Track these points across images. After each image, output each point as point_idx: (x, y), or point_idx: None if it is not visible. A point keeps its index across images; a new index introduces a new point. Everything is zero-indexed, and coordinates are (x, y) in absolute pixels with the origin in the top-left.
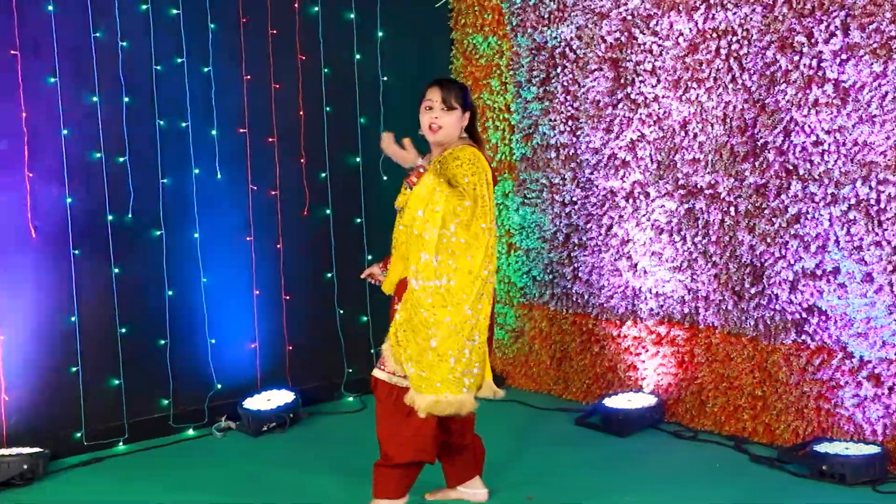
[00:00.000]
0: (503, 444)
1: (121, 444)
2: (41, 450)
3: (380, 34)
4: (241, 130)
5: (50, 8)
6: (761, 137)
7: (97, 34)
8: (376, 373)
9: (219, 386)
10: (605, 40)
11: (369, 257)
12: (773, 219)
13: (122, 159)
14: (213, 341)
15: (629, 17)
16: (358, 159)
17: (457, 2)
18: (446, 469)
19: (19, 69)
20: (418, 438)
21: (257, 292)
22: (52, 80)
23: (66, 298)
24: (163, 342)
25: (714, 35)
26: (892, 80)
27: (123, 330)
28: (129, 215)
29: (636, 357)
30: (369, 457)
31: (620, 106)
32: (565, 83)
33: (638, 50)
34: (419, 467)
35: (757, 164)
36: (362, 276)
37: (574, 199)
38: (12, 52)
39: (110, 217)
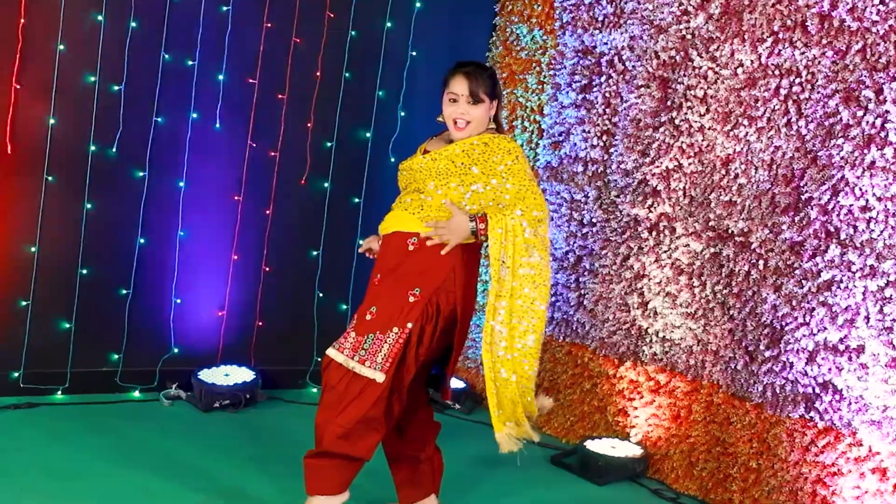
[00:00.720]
0: (467, 469)
1: (59, 393)
2: None
3: (417, 5)
4: (251, 80)
5: None
6: (807, 191)
7: None
8: (332, 353)
9: (175, 350)
10: (658, 56)
11: (361, 242)
12: (804, 281)
13: (116, 88)
14: (179, 301)
15: (689, 37)
16: (368, 134)
17: None
18: (399, 483)
19: None
20: (356, 431)
21: (235, 257)
22: None
23: (30, 226)
24: (124, 292)
25: (776, 72)
26: None
27: (84, 271)
28: (114, 149)
29: (629, 402)
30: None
31: (662, 130)
32: (607, 94)
33: (692, 73)
34: (355, 463)
35: (797, 219)
36: (361, 251)
37: (594, 220)
38: None
39: (93, 147)
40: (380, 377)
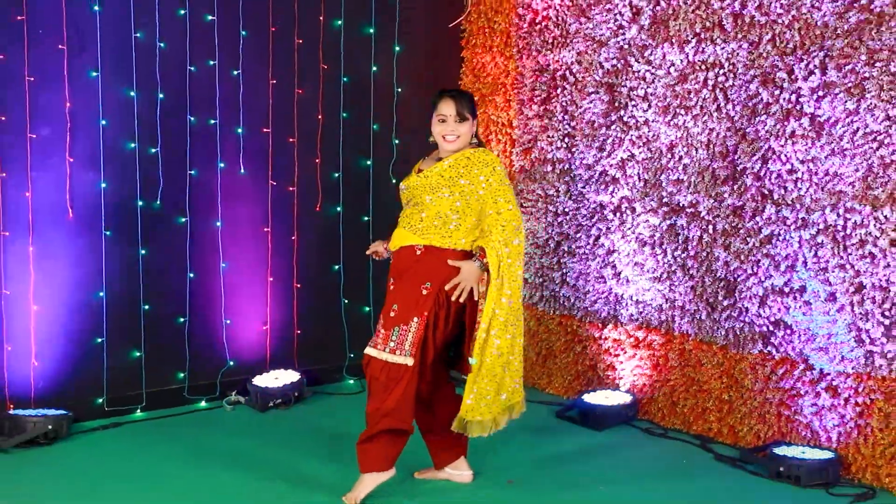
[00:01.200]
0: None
1: (138, 411)
2: (65, 412)
3: (396, 48)
4: (265, 130)
5: (96, 8)
6: (741, 163)
7: (138, 34)
8: (369, 351)
9: (231, 363)
10: (602, 66)
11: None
12: (748, 238)
13: (154, 150)
14: (229, 322)
15: (626, 46)
16: (369, 162)
17: (468, 24)
18: (432, 450)
19: (65, 63)
20: (399, 407)
21: (271, 279)
22: (94, 73)
23: (96, 275)
24: (182, 320)
25: (703, 67)
26: (864, 118)
27: (146, 307)
28: (158, 202)
29: (615, 358)
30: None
31: (613, 127)
32: (564, 103)
33: (632, 77)
34: (401, 437)
35: (735, 187)
36: (368, 253)
37: (566, 210)
38: (60, 46)
39: (140, 203)
40: (409, 361)
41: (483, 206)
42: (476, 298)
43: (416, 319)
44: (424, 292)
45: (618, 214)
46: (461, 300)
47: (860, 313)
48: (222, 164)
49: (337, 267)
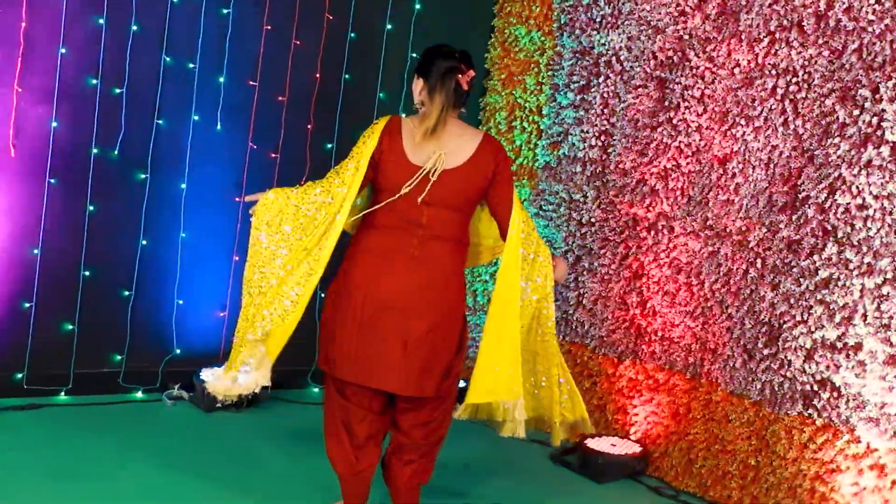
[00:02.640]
0: (470, 466)
1: (62, 394)
2: None
3: (417, 6)
4: (252, 83)
5: None
6: (804, 190)
7: None
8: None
9: (178, 351)
10: (655, 56)
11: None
12: (801, 279)
13: (118, 91)
14: (181, 302)
15: (686, 37)
16: None
17: None
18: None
19: None
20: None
21: (237, 258)
22: None
23: (33, 228)
24: (126, 293)
25: (773, 72)
26: None
27: (87, 273)
28: (116, 152)
29: (628, 400)
30: (318, 452)
31: (660, 129)
32: (605, 95)
33: (689, 73)
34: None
35: (794, 217)
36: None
37: (593, 219)
38: None
39: (95, 150)
40: None
41: None
42: None
43: None
44: None
45: (652, 233)
46: None
47: None
48: (196, 117)
49: None
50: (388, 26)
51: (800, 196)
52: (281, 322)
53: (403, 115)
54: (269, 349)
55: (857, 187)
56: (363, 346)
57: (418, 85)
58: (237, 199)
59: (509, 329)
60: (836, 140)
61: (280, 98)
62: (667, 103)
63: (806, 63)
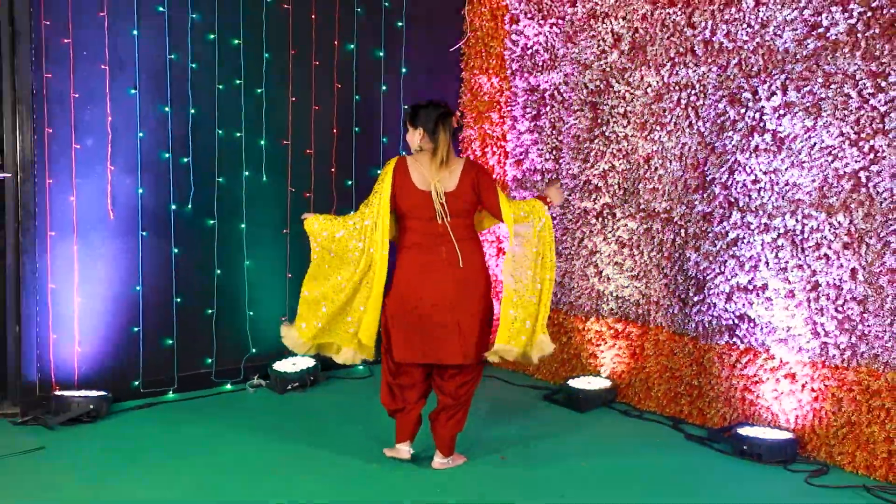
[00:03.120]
0: (483, 411)
1: (171, 392)
2: (105, 393)
3: (403, 70)
4: (285, 142)
5: (134, 32)
6: (710, 174)
7: (172, 56)
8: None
9: (253, 350)
10: (587, 86)
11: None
12: (716, 241)
13: (186, 160)
14: (252, 313)
15: (608, 69)
16: (378, 171)
17: (467, 48)
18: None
19: (107, 81)
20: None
21: (289, 276)
22: (133, 91)
23: (134, 271)
24: (210, 311)
25: (676, 88)
26: (820, 134)
27: (178, 300)
28: (189, 206)
29: (597, 347)
30: (372, 413)
31: (596, 141)
32: (552, 120)
33: (613, 96)
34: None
35: (705, 195)
36: None
37: (554, 215)
38: (102, 66)
39: (173, 207)
40: None
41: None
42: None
43: None
44: None
45: (600, 219)
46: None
47: (816, 309)
48: (247, 173)
49: None
50: (383, 87)
51: (707, 179)
52: (359, 328)
53: (406, 156)
54: (364, 344)
55: (750, 167)
56: (423, 335)
57: (417, 134)
58: (284, 231)
59: (521, 293)
60: (730, 133)
61: (308, 151)
62: (599, 121)
63: (701, 78)
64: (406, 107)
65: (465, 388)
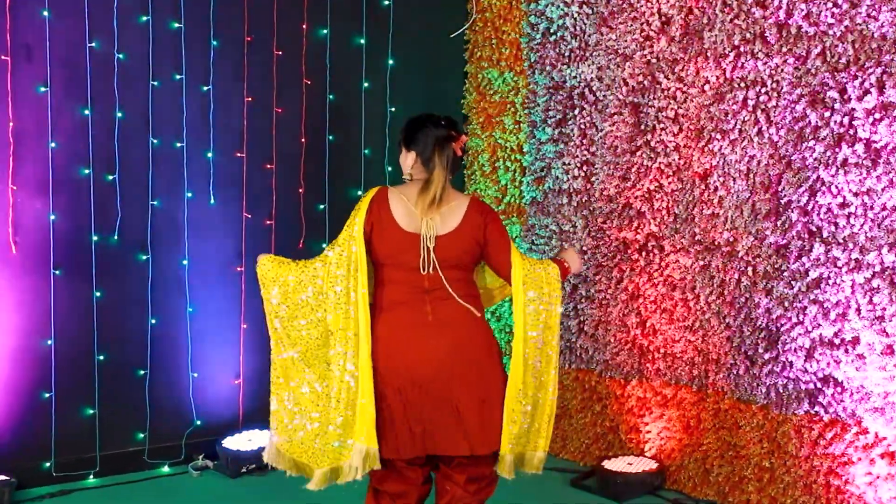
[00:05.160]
0: (494, 500)
1: (91, 477)
2: (7, 478)
3: (390, 62)
4: (239, 154)
5: (45, 14)
6: (785, 195)
7: (93, 44)
8: None
9: (198, 422)
10: (626, 83)
11: None
12: (793, 282)
13: (111, 177)
14: (196, 375)
15: (654, 61)
16: (360, 192)
17: (473, 33)
18: None
19: (9, 76)
20: None
21: (245, 326)
22: (43, 89)
23: (43, 320)
24: (142, 372)
25: (742, 85)
26: None
27: (101, 357)
28: (115, 236)
29: (639, 419)
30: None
31: (639, 153)
32: (582, 126)
33: (661, 95)
34: None
35: (779, 223)
36: None
37: (584, 248)
38: (3, 57)
39: (95, 237)
40: None
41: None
42: None
43: None
44: None
45: (643, 254)
46: None
47: None
48: (189, 194)
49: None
50: (365, 84)
51: (782, 201)
52: (356, 410)
53: (390, 187)
54: (367, 439)
55: (837, 186)
56: (415, 423)
57: (409, 157)
58: (238, 269)
59: (529, 386)
60: (811, 143)
61: (269, 166)
62: (643, 127)
63: (773, 72)
64: (392, 108)
65: (477, 484)
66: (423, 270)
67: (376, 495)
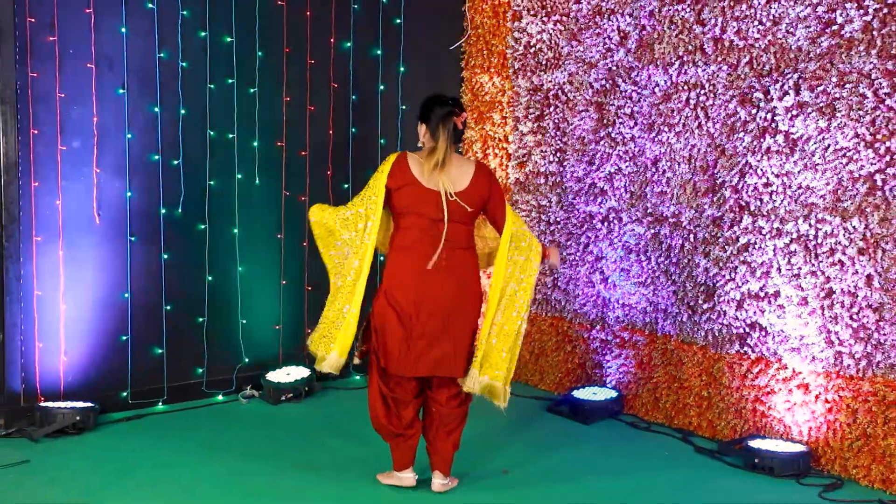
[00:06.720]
0: (485, 423)
1: (160, 404)
2: (92, 405)
3: (401, 69)
4: (279, 144)
5: (123, 30)
6: (720, 177)
7: (161, 55)
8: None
9: (246, 360)
10: (592, 86)
11: (381, 258)
12: (726, 246)
13: (176, 162)
14: (244, 321)
15: (614, 68)
16: None
17: (468, 46)
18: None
19: (94, 81)
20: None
21: (284, 282)
22: (121, 91)
23: (121, 277)
24: (201, 319)
25: (685, 87)
26: (834, 135)
27: (168, 307)
28: (180, 210)
29: (602, 356)
30: (369, 424)
31: (602, 143)
32: (556, 120)
33: (620, 96)
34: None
35: (715, 199)
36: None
37: (558, 219)
38: (89, 65)
39: (163, 210)
40: None
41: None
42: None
43: None
44: None
45: (606, 224)
46: None
47: (830, 317)
48: (239, 175)
49: None
50: (381, 87)
51: (717, 181)
52: (341, 332)
53: (408, 152)
54: (339, 351)
55: (762, 170)
56: (416, 347)
57: (422, 129)
58: (279, 236)
59: (506, 321)
60: (741, 134)
61: (303, 153)
62: (605, 121)
63: (710, 77)
64: (403, 106)
65: (457, 399)
66: (441, 221)
67: (384, 402)
